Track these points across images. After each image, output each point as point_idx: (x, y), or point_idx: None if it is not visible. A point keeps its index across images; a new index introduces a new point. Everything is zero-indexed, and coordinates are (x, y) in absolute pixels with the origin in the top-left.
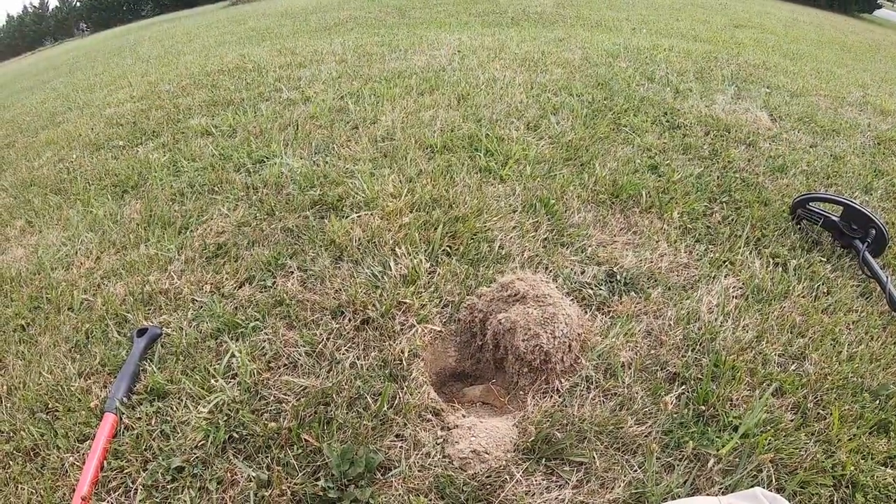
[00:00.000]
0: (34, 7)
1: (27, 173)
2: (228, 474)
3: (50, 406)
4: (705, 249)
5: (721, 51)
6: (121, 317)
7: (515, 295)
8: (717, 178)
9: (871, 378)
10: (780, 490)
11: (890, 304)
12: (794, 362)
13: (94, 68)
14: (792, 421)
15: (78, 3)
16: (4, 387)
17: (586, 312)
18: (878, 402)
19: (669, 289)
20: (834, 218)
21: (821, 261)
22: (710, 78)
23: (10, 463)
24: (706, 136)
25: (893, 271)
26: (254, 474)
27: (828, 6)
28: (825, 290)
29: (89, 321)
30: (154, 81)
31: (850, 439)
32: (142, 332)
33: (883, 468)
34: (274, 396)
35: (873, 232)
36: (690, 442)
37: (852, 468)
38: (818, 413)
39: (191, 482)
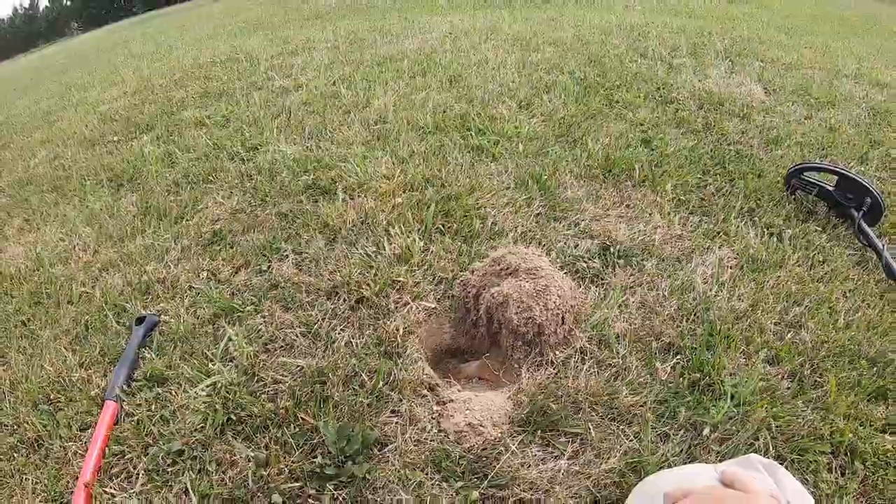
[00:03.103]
0: (24, 8)
1: (23, 173)
2: (227, 455)
3: (52, 397)
4: (699, 221)
5: (715, 26)
6: (119, 307)
7: (507, 269)
8: (711, 150)
9: (869, 346)
10: (778, 458)
11: (886, 272)
12: (790, 331)
13: (86, 66)
14: (789, 389)
15: (69, 3)
16: (7, 381)
17: (580, 285)
18: (875, 369)
19: (663, 260)
20: (829, 187)
21: (816, 230)
22: (704, 53)
23: (15, 455)
24: (699, 110)
25: (889, 240)
26: (252, 454)
27: None
28: (821, 260)
29: (88, 313)
30: (147, 76)
31: (847, 406)
32: (140, 320)
33: (882, 434)
34: (271, 377)
35: (868, 201)
36: (684, 410)
37: (850, 435)
38: (815, 381)
39: (191, 465)
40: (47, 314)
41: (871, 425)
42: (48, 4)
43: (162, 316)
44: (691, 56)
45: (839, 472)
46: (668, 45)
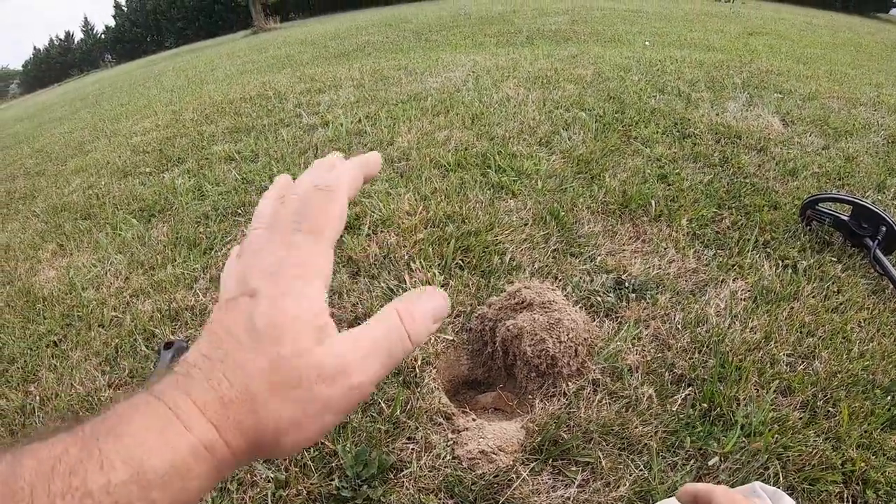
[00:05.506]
0: (60, 40)
1: (57, 199)
2: (248, 476)
3: (80, 415)
4: (714, 254)
5: (733, 59)
6: (148, 332)
7: (522, 302)
8: (727, 184)
9: (883, 375)
10: (788, 488)
11: None
12: (803, 361)
13: (119, 98)
14: (800, 419)
15: (103, 36)
16: (37, 398)
17: (594, 319)
18: (889, 398)
19: (677, 293)
20: (844, 217)
21: (831, 261)
22: (722, 86)
23: None
24: (717, 144)
25: None
26: (272, 475)
27: (843, 8)
28: (835, 290)
29: (118, 336)
30: (178, 110)
31: (860, 436)
32: (168, 345)
33: (894, 464)
34: None
35: (884, 229)
36: (689, 439)
37: (862, 464)
38: (827, 410)
39: None
40: (78, 336)
41: (884, 454)
42: (83, 37)
43: (190, 342)
44: (709, 90)
45: (851, 501)
46: (686, 79)
